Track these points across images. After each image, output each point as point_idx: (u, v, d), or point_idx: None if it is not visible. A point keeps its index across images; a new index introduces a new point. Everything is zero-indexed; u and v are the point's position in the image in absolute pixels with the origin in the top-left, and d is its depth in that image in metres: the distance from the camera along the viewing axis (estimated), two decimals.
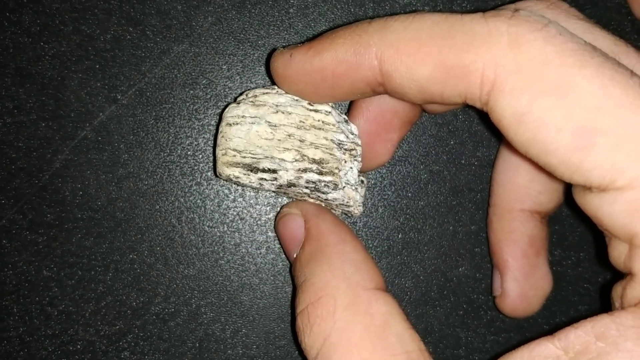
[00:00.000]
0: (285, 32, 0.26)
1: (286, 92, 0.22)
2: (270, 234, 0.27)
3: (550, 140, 0.16)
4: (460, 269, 0.28)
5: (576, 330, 0.16)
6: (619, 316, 0.15)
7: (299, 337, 0.20)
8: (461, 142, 0.28)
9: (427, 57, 0.18)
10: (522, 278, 0.25)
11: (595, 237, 0.28)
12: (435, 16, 0.18)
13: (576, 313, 0.28)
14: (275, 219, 0.24)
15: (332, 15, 0.26)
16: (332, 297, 0.19)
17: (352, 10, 0.26)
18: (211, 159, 0.26)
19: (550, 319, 0.28)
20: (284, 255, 0.27)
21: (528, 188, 0.25)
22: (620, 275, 0.18)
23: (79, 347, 0.26)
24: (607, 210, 0.16)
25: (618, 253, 0.17)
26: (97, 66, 0.26)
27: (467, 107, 0.19)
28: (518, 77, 0.16)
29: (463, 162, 0.28)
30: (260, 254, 0.27)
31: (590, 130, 0.16)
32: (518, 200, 0.25)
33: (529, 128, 0.17)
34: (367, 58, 0.19)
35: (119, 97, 0.26)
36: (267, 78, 0.26)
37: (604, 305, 0.28)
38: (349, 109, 0.24)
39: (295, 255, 0.22)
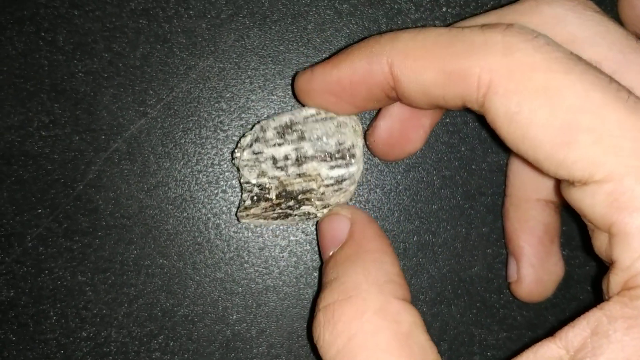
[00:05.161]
0: (304, 48, 0.28)
1: (310, 107, 0.24)
2: (292, 238, 0.28)
3: (537, 136, 0.18)
4: (473, 270, 0.29)
5: (573, 328, 0.17)
6: (607, 308, 0.16)
7: (315, 332, 0.20)
8: (472, 148, 0.29)
9: (430, 63, 0.19)
10: (538, 264, 0.26)
11: (581, 230, 0.29)
12: (440, 29, 0.20)
13: (586, 311, 0.29)
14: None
15: (348, 31, 0.28)
16: (362, 299, 0.19)
17: (366, 25, 0.28)
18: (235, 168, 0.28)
19: (560, 317, 0.29)
20: (305, 258, 0.28)
21: (545, 178, 0.26)
22: (607, 268, 0.18)
23: (112, 348, 0.27)
24: (588, 202, 0.17)
25: (600, 243, 0.18)
26: (128, 82, 0.27)
27: (468, 111, 0.21)
28: (510, 80, 0.18)
29: (474, 167, 0.29)
30: (283, 257, 0.28)
31: (572, 128, 0.17)
32: (535, 190, 0.26)
33: (519, 126, 0.18)
34: (379, 64, 0.21)
35: (149, 110, 0.27)
36: (287, 90, 0.28)
37: None
38: None
39: (330, 254, 0.22)
